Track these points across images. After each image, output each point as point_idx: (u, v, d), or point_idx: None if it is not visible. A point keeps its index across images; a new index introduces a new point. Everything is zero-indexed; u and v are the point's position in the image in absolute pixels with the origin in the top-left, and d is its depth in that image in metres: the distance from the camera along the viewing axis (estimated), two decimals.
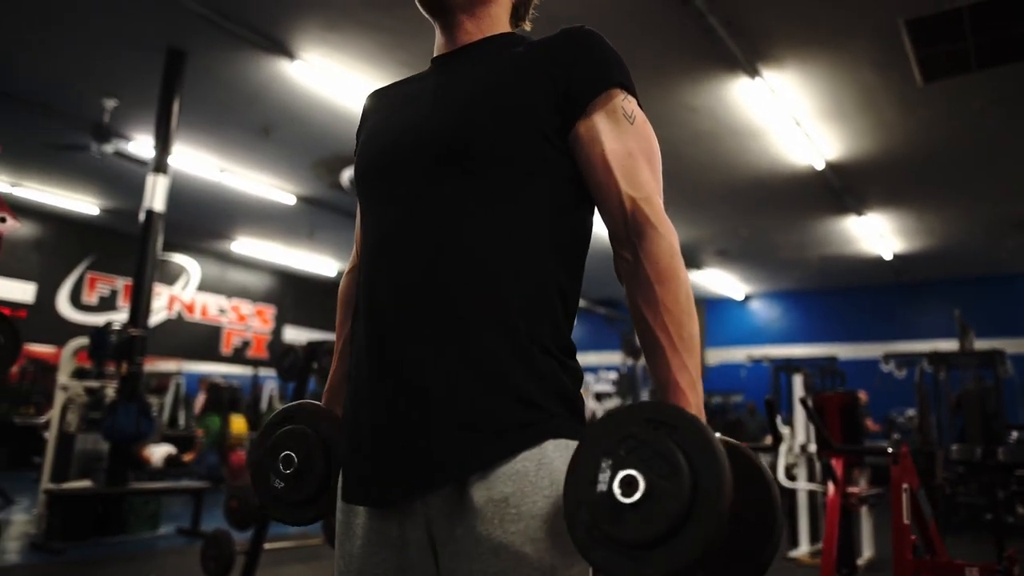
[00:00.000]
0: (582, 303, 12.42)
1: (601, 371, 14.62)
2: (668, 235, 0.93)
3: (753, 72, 5.64)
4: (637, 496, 0.71)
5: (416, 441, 0.90)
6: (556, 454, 0.90)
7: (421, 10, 1.11)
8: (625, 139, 0.96)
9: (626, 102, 0.98)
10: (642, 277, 0.92)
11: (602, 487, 0.73)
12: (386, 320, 0.95)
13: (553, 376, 0.93)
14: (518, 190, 0.95)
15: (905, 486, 2.35)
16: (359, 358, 1.00)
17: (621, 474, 0.73)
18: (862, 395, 9.78)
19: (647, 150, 0.98)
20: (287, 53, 5.68)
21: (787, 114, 6.36)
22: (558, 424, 0.91)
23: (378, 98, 1.19)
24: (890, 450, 2.43)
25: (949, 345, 9.67)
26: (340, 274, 13.86)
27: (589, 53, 0.99)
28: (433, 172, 0.96)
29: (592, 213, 1.04)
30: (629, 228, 0.94)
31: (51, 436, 5.60)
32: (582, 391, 1.00)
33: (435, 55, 1.13)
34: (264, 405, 12.19)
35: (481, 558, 0.86)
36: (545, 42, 1.02)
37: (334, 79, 6.04)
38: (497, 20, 1.11)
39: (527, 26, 1.18)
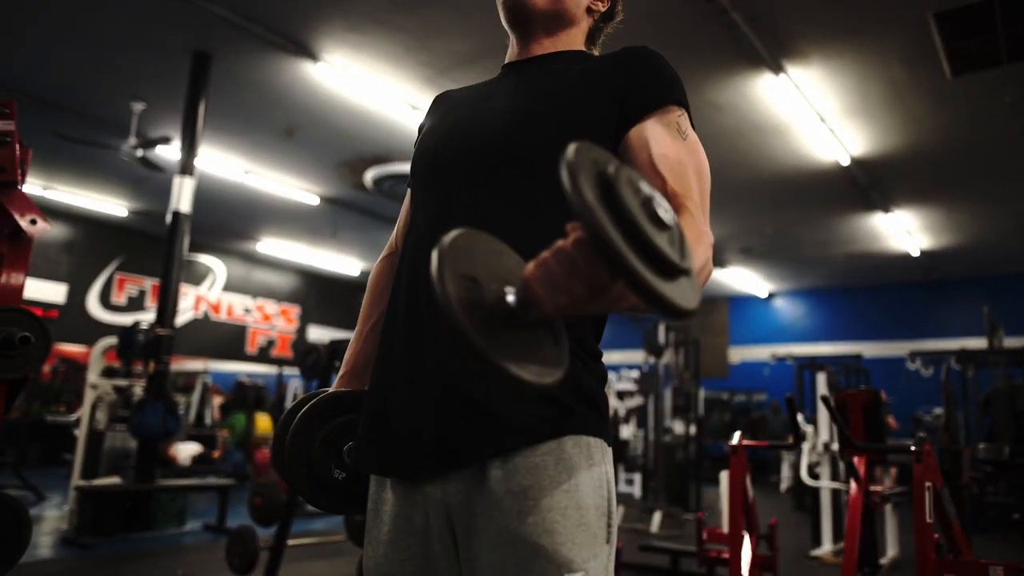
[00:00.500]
0: None
1: (623, 369, 14.57)
2: (702, 226, 0.92)
3: (777, 68, 5.59)
4: (671, 224, 0.64)
5: (440, 424, 0.93)
6: (575, 450, 0.91)
7: (503, 21, 1.14)
8: (677, 149, 0.97)
9: (681, 119, 1.00)
10: None
11: (647, 189, 0.65)
12: (422, 310, 0.98)
13: (576, 375, 0.94)
14: (558, 196, 0.97)
15: (928, 484, 2.32)
16: (392, 340, 1.03)
17: (663, 203, 0.65)
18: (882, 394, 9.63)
19: (698, 166, 0.98)
20: (310, 55, 5.74)
21: (812, 110, 6.29)
22: (578, 421, 0.93)
23: (443, 99, 1.22)
24: (913, 448, 2.40)
25: (978, 343, 9.50)
26: (364, 273, 13.98)
27: (649, 70, 1.02)
28: (483, 171, 0.99)
29: None
30: None
31: (81, 434, 5.72)
32: (606, 390, 1.01)
33: (507, 62, 1.16)
34: (288, 404, 12.31)
35: (500, 549, 0.88)
36: (607, 58, 1.05)
37: (357, 80, 6.09)
38: (572, 40, 1.15)
39: (597, 51, 1.21)
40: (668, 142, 0.97)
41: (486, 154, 1.00)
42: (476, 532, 0.91)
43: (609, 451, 0.98)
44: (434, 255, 0.66)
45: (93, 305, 11.17)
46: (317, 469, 1.06)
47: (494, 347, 0.64)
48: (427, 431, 0.94)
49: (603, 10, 1.18)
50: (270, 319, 13.79)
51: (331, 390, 1.16)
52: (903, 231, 9.78)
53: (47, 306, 10.51)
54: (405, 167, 7.82)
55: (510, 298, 0.68)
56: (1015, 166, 7.63)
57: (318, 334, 14.24)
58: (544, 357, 0.70)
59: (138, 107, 6.72)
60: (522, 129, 0.99)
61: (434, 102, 1.23)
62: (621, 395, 10.01)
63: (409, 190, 1.21)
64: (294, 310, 14.26)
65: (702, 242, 0.88)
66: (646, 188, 0.65)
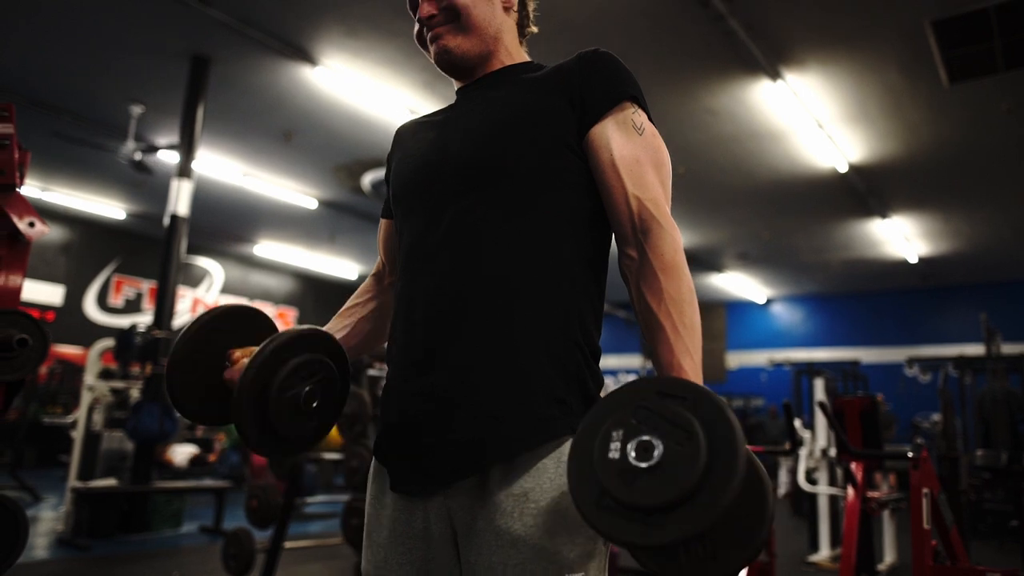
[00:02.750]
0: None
1: (621, 374, 14.58)
2: (673, 232, 0.96)
3: (775, 75, 5.61)
4: (653, 461, 0.70)
5: (443, 434, 0.95)
6: None
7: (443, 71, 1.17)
8: (633, 147, 1.00)
9: (636, 115, 1.03)
10: (647, 270, 0.94)
11: (614, 454, 0.72)
12: (417, 326, 1.01)
13: (579, 375, 0.97)
14: (543, 200, 1.01)
15: (926, 491, 2.32)
16: (397, 352, 1.05)
17: (636, 440, 0.71)
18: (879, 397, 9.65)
19: (655, 159, 1.01)
20: (309, 59, 5.75)
21: (809, 117, 6.31)
22: (577, 422, 0.93)
23: (407, 129, 1.25)
24: (910, 455, 2.41)
25: (975, 350, 9.52)
26: (361, 277, 13.98)
27: (602, 71, 1.04)
28: (464, 183, 1.02)
29: None
30: (635, 226, 0.97)
31: (78, 435, 5.70)
32: (601, 394, 1.02)
33: (457, 88, 1.19)
34: None
35: (500, 550, 0.89)
36: (561, 66, 1.08)
37: (355, 85, 6.10)
38: (508, 50, 1.16)
39: (534, 29, 1.23)
40: (624, 141, 1.00)
41: (464, 167, 1.03)
42: (477, 534, 0.92)
43: None
44: None
45: (90, 307, 11.15)
46: (272, 412, 0.93)
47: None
48: (432, 446, 0.96)
49: (514, 2, 1.18)
50: None
51: (316, 328, 1.03)
52: (901, 237, 9.80)
53: (44, 308, 10.50)
54: None
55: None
56: (1012, 173, 7.65)
57: None
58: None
59: (136, 110, 6.73)
60: (494, 140, 1.03)
61: (396, 136, 1.26)
62: None
63: (383, 221, 1.26)
64: (291, 313, 14.25)
65: (676, 255, 0.94)
66: (615, 452, 0.72)
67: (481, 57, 1.13)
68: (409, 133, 1.22)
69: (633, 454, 0.71)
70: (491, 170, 1.01)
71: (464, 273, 0.98)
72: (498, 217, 0.99)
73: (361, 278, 14.05)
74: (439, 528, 0.97)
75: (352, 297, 1.29)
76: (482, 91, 1.13)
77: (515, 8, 1.18)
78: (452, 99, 1.19)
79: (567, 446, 0.92)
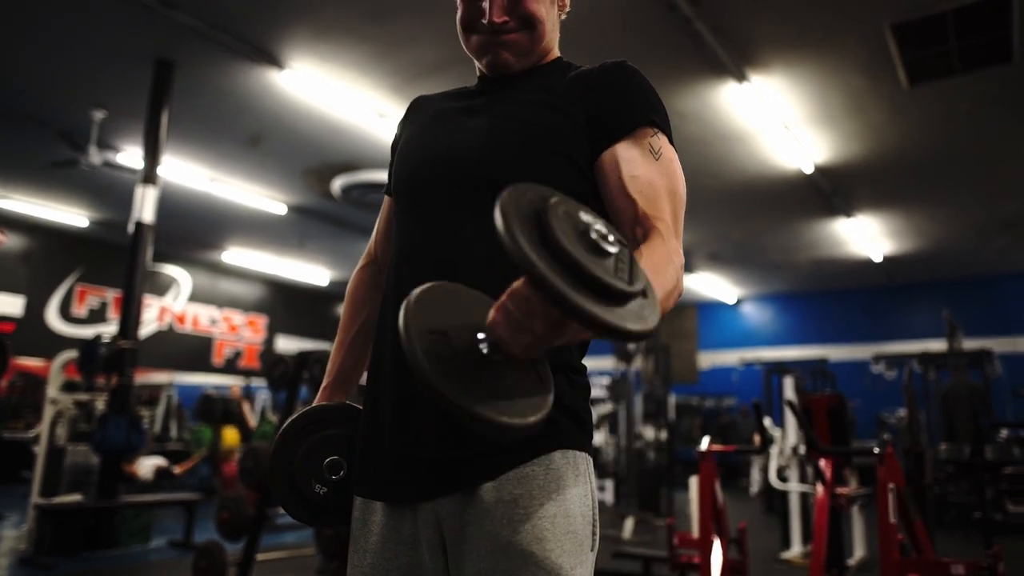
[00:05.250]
0: None
1: (594, 376, 14.64)
2: (673, 247, 0.92)
3: (741, 77, 5.68)
4: (613, 251, 0.65)
5: (432, 448, 0.94)
6: (563, 462, 0.94)
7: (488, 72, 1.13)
8: (649, 170, 0.97)
9: (655, 139, 1.00)
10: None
11: (587, 217, 0.66)
12: None
13: (562, 393, 0.95)
14: None
15: (891, 486, 2.36)
16: (381, 362, 1.04)
17: (604, 229, 0.66)
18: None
19: (670, 187, 0.98)
20: (276, 63, 5.69)
21: (775, 118, 6.40)
22: (566, 436, 0.95)
23: (418, 106, 1.21)
24: (876, 450, 2.45)
25: (938, 345, 9.73)
26: (332, 283, 13.86)
27: (625, 90, 1.01)
28: (463, 192, 1.00)
29: None
30: (637, 232, 0.94)
31: (40, 450, 5.58)
32: (588, 403, 1.03)
33: (481, 73, 1.15)
34: (257, 415, 12.13)
35: (489, 557, 0.89)
36: (584, 75, 1.04)
37: (324, 88, 6.05)
38: (546, 51, 1.13)
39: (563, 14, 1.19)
40: (639, 163, 0.97)
41: (465, 176, 1.01)
42: (466, 541, 0.92)
43: (592, 464, 1.00)
44: (400, 314, 0.68)
45: (52, 317, 10.90)
46: (299, 484, 1.07)
47: (467, 396, 0.66)
48: (419, 460, 0.95)
49: (567, 3, 1.17)
50: (237, 330, 13.59)
51: (314, 404, 1.16)
52: (866, 236, 9.99)
53: (3, 319, 10.23)
54: (373, 175, 7.77)
55: (481, 346, 0.70)
56: (971, 172, 7.85)
57: (286, 344, 14.06)
58: (527, 396, 0.71)
59: (99, 115, 6.60)
60: (499, 153, 1.00)
61: (410, 108, 1.22)
62: (592, 402, 10.05)
63: (387, 197, 1.21)
64: (261, 320, 14.08)
65: (671, 264, 0.89)
66: (586, 218, 0.66)
67: (531, 66, 1.10)
68: (427, 111, 1.17)
69: (599, 233, 0.65)
70: (490, 183, 0.97)
71: None
72: (491, 234, 0.97)
73: (332, 283, 13.93)
74: (428, 535, 0.96)
75: (346, 304, 1.23)
76: (507, 89, 1.09)
77: (567, 10, 1.16)
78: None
79: (557, 457, 0.93)
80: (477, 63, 1.13)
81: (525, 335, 0.67)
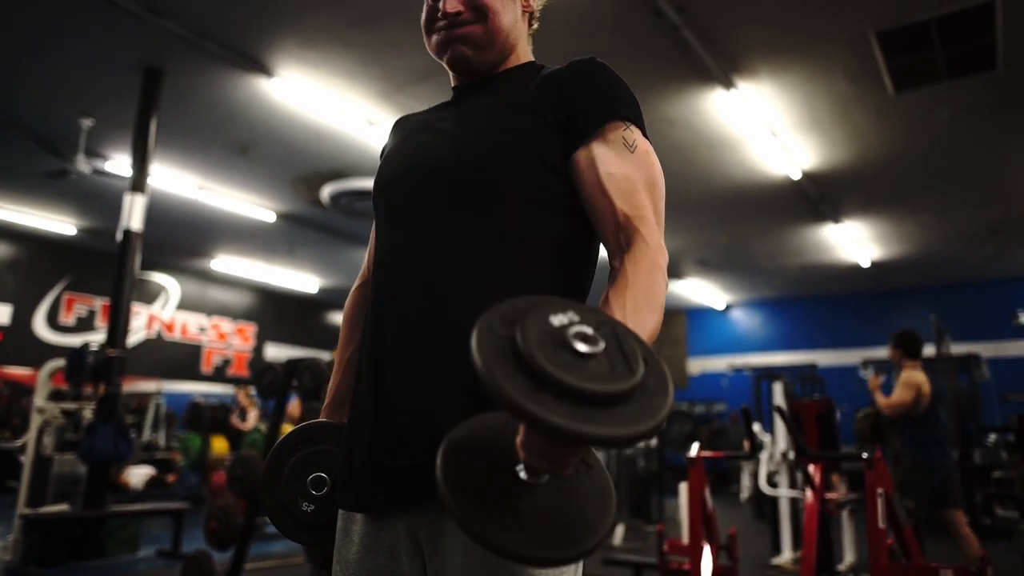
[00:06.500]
0: None
1: None
2: (656, 251, 0.91)
3: (728, 84, 5.72)
4: (598, 349, 0.62)
5: (406, 457, 0.94)
6: None
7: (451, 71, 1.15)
8: (624, 165, 0.97)
9: (628, 132, 1.00)
10: (619, 274, 0.90)
11: (560, 320, 0.64)
12: (386, 341, 1.00)
13: None
14: (519, 221, 0.98)
15: (880, 491, 2.37)
16: (362, 373, 1.04)
17: (581, 327, 0.63)
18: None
19: (647, 178, 0.98)
20: (265, 71, 5.68)
21: (763, 125, 6.44)
22: None
23: (402, 123, 1.23)
24: (865, 456, 2.46)
25: (926, 350, 9.78)
26: (322, 291, 13.81)
27: (594, 85, 1.01)
28: (440, 201, 1.00)
29: (597, 242, 1.05)
30: (620, 239, 0.93)
31: (27, 460, 5.51)
32: None
33: (454, 84, 1.16)
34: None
35: (467, 565, 0.88)
36: (554, 75, 1.05)
37: (312, 96, 6.04)
38: (518, 54, 1.15)
39: (535, 26, 1.21)
40: (614, 159, 0.97)
41: (441, 184, 1.01)
42: (444, 550, 0.91)
43: None
44: (438, 467, 0.69)
45: (40, 326, 10.82)
46: (286, 502, 1.08)
47: (508, 533, 0.66)
48: (395, 468, 0.95)
49: (535, 7, 1.18)
50: (226, 338, 13.52)
51: (323, 420, 1.18)
52: (853, 242, 10.06)
53: None
54: (362, 183, 7.77)
55: (522, 474, 0.70)
56: (957, 178, 7.91)
57: (275, 352, 14.00)
58: (585, 507, 0.72)
59: (87, 123, 6.56)
60: (473, 159, 1.00)
61: (394, 126, 1.24)
62: None
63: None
64: (250, 328, 14.01)
65: (655, 276, 0.89)
66: (560, 321, 0.64)
67: (494, 65, 1.11)
68: (405, 128, 1.19)
69: (576, 331, 0.63)
70: (467, 188, 0.99)
71: (431, 296, 0.97)
72: (467, 239, 0.97)
73: (322, 291, 13.88)
74: (407, 543, 0.96)
75: (343, 326, 1.26)
76: (478, 96, 1.10)
77: (535, 12, 1.18)
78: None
79: None
80: (448, 70, 1.15)
81: (549, 461, 0.67)
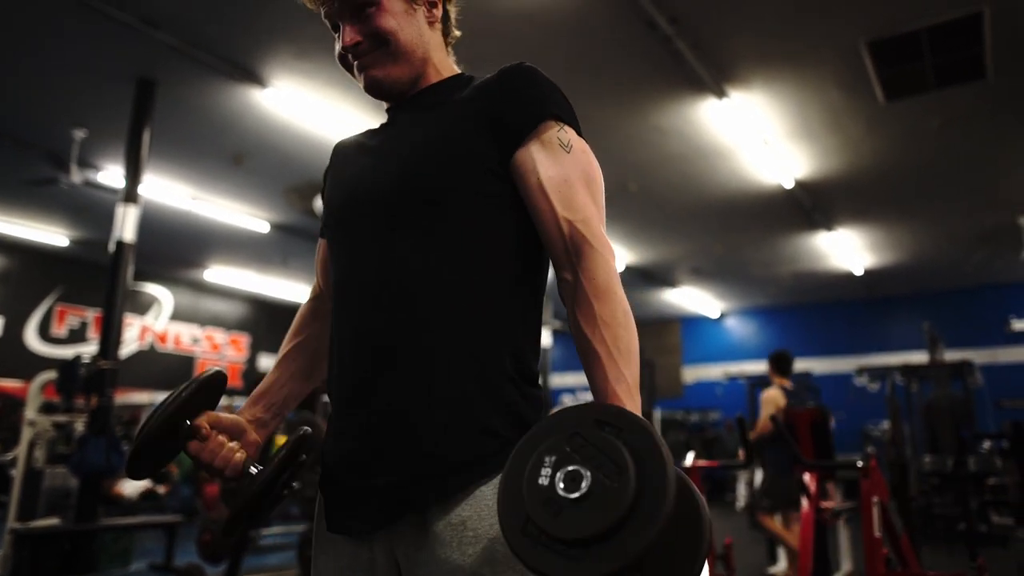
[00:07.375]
0: (558, 325, 12.44)
1: (579, 391, 14.63)
2: (605, 253, 0.93)
3: (721, 93, 5.75)
4: (580, 492, 0.69)
5: (380, 475, 0.94)
6: None
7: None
8: (560, 166, 0.98)
9: (561, 132, 1.00)
10: (580, 294, 0.92)
11: (544, 480, 0.71)
12: (352, 359, 1.00)
13: (513, 405, 0.95)
14: (470, 230, 0.99)
15: (875, 499, 2.37)
16: (333, 391, 1.05)
17: (565, 470, 0.70)
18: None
19: (584, 176, 0.99)
20: (258, 81, 5.68)
21: (755, 134, 6.47)
22: None
23: (341, 149, 1.24)
24: (860, 464, 2.46)
25: (920, 357, 9.81)
26: None
27: (524, 88, 1.02)
28: (388, 219, 1.01)
29: None
30: (568, 249, 0.94)
31: (18, 473, 5.47)
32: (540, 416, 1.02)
33: (387, 107, 1.17)
34: None
35: None
36: (484, 83, 1.05)
37: (305, 106, 6.05)
38: (437, 67, 1.14)
39: (457, 33, 1.20)
40: (551, 161, 0.98)
41: (386, 203, 1.02)
42: (419, 565, 0.91)
43: None
44: None
45: (31, 338, 10.75)
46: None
47: None
48: (372, 488, 0.95)
49: (438, 15, 1.16)
50: (219, 348, 13.46)
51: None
52: (846, 250, 10.10)
53: None
54: None
55: None
56: (948, 186, 7.96)
57: (269, 363, 13.94)
58: None
59: (80, 134, 6.55)
60: (415, 175, 1.01)
61: (333, 152, 1.25)
62: None
63: (321, 240, 1.23)
64: (244, 339, 13.96)
65: (611, 280, 0.92)
66: (546, 472, 0.71)
67: (412, 81, 1.11)
68: (344, 153, 1.21)
69: (561, 484, 0.70)
70: (416, 203, 0.99)
71: (391, 311, 0.97)
72: (424, 251, 0.98)
73: None
74: (383, 560, 0.96)
75: (288, 336, 1.25)
76: (410, 113, 1.11)
77: (439, 21, 1.15)
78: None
79: None
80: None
81: None
